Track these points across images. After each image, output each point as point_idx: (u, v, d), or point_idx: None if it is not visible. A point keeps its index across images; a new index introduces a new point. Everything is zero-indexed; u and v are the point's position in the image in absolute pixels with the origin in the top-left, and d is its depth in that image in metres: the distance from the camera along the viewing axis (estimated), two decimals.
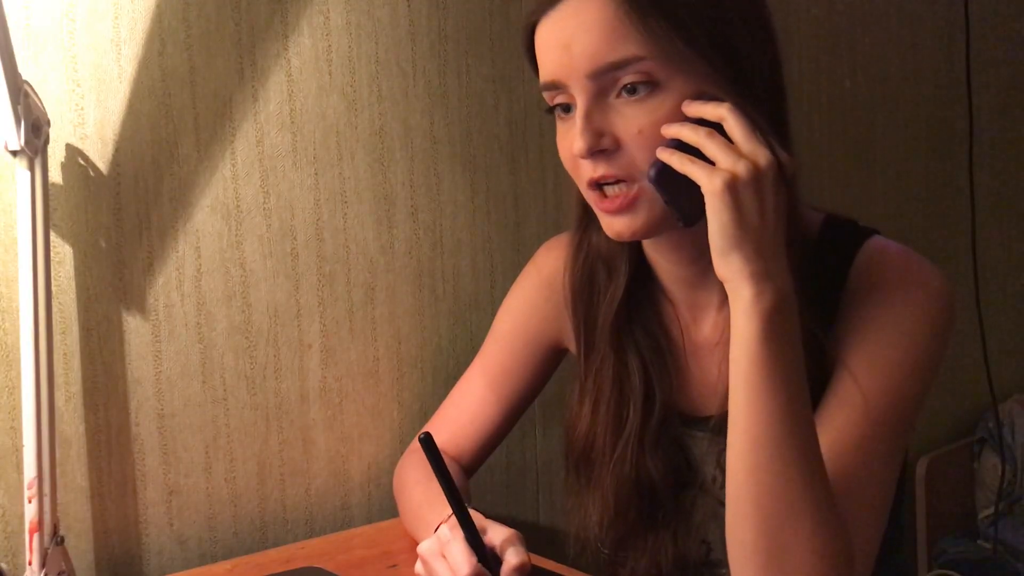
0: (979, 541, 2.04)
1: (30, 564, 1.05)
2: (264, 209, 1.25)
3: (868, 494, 0.90)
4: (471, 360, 1.24)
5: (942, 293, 0.94)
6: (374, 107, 1.32)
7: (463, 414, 1.20)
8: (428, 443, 0.92)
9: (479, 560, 0.92)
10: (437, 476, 0.93)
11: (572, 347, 1.16)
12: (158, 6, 1.17)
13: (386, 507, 1.36)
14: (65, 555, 1.08)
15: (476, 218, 1.42)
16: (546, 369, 1.21)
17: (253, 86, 1.24)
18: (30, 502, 1.05)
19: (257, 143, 1.24)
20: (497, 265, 1.45)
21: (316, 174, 1.29)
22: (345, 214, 1.31)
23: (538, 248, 1.22)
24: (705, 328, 1.03)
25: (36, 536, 1.04)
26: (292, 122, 1.27)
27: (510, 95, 1.44)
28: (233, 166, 1.23)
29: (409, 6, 1.34)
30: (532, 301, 1.18)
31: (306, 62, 1.27)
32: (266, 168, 1.25)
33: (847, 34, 1.88)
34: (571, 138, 0.91)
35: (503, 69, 1.43)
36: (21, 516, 1.09)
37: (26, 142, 1.02)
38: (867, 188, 1.94)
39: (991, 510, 2.03)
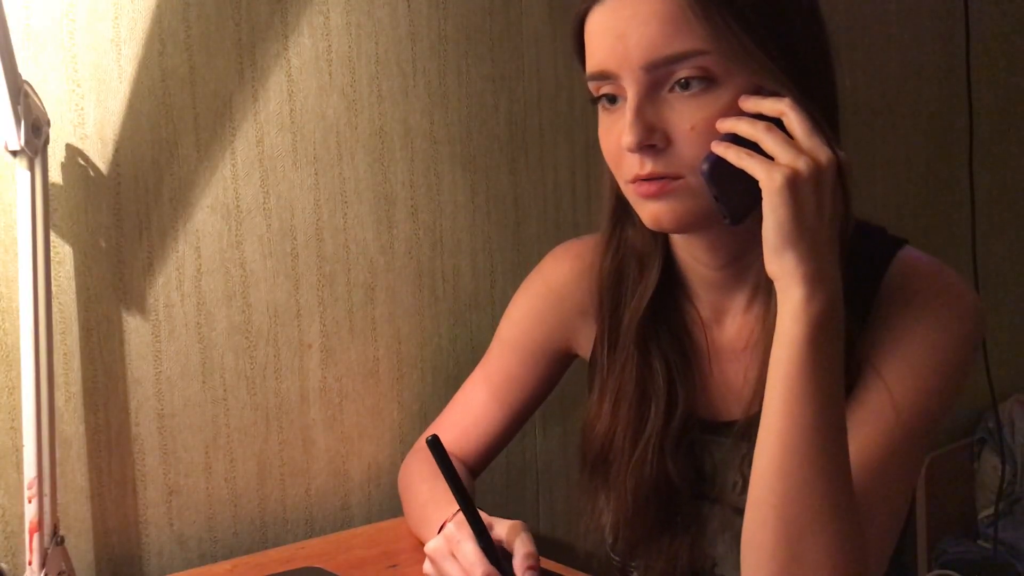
0: (979, 541, 2.04)
1: (30, 564, 1.05)
2: (264, 209, 1.25)
3: (887, 505, 0.89)
4: (471, 360, 1.24)
5: (972, 308, 0.93)
6: (374, 107, 1.32)
7: (466, 418, 1.19)
8: (436, 445, 0.92)
9: (490, 560, 0.92)
10: (444, 475, 0.92)
11: (583, 351, 1.15)
12: (158, 6, 1.17)
13: (386, 507, 1.36)
14: (65, 555, 1.08)
15: (476, 218, 1.42)
16: (552, 377, 1.19)
17: (253, 86, 1.24)
18: (30, 502, 1.05)
19: (257, 143, 1.24)
20: (497, 265, 1.45)
21: (316, 174, 1.29)
22: (345, 214, 1.31)
23: (537, 249, 1.22)
24: (729, 332, 1.02)
25: (36, 536, 1.04)
26: (292, 122, 1.27)
27: (510, 95, 1.44)
28: (233, 166, 1.23)
29: (409, 6, 1.34)
30: (538, 310, 1.16)
31: (306, 62, 1.27)
32: (266, 168, 1.25)
33: (847, 34, 1.88)
34: (617, 130, 0.89)
35: (503, 69, 1.43)
36: (21, 516, 1.09)
37: (26, 142, 1.02)
38: (867, 188, 1.94)
39: (991, 510, 2.03)
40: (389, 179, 1.34)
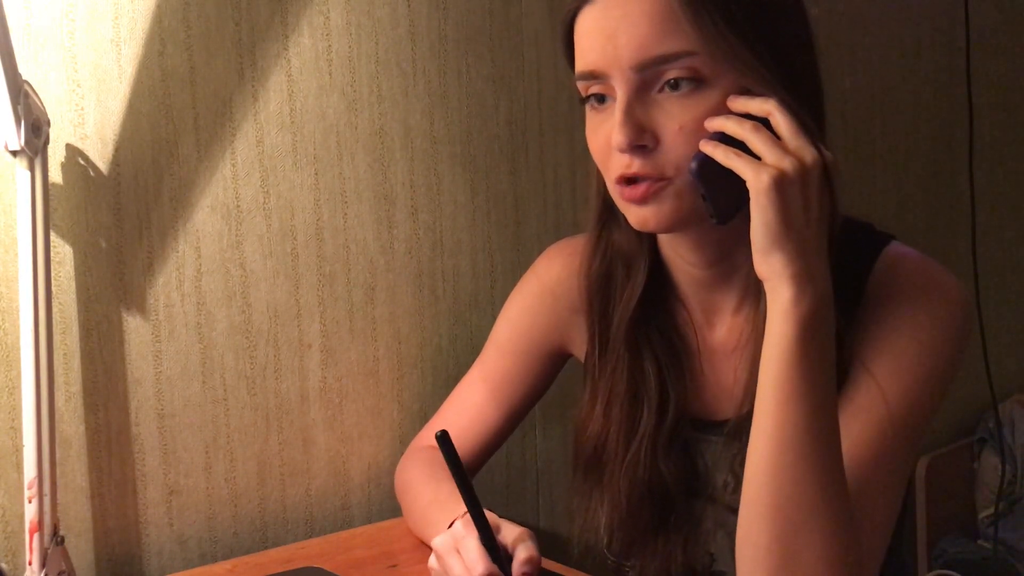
0: (979, 541, 2.04)
1: (30, 564, 1.05)
2: (264, 209, 1.25)
3: (880, 502, 0.90)
4: (471, 360, 1.24)
5: (961, 302, 0.93)
6: (374, 107, 1.32)
7: (462, 418, 1.19)
8: (444, 440, 0.91)
9: (492, 559, 0.92)
10: (453, 473, 0.92)
11: (577, 352, 1.15)
12: (158, 6, 1.17)
13: (386, 507, 1.36)
14: (65, 555, 1.08)
15: (476, 218, 1.42)
16: (547, 376, 1.20)
17: (253, 86, 1.24)
18: (30, 502, 1.05)
19: (257, 143, 1.25)
20: (497, 265, 1.45)
21: (316, 174, 1.29)
22: (345, 214, 1.31)
23: (537, 249, 1.22)
24: (720, 332, 1.02)
25: (36, 536, 1.04)
26: (292, 122, 1.27)
27: (510, 95, 1.44)
28: (233, 166, 1.23)
29: (409, 6, 1.34)
30: (533, 309, 1.17)
31: (306, 62, 1.27)
32: (266, 168, 1.25)
33: (847, 34, 1.88)
34: (606, 130, 0.89)
35: (503, 69, 1.43)
36: (21, 516, 1.09)
37: (26, 142, 1.02)
38: (867, 188, 1.94)
39: (991, 510, 2.03)
40: (389, 179, 1.34)
